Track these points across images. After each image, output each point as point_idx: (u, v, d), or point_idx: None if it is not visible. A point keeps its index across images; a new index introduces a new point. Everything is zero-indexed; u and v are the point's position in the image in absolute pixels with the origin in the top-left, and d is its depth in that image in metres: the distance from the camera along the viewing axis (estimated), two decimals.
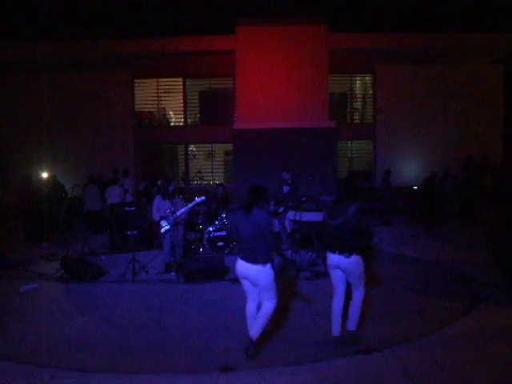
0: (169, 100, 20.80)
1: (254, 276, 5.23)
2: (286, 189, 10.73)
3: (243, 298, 7.35)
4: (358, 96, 21.25)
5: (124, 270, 9.06)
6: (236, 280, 8.47)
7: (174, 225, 9.16)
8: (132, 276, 8.91)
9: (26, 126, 19.50)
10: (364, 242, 5.54)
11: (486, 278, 8.32)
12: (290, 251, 10.23)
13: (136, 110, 20.66)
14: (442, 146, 19.35)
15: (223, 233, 10.80)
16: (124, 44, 18.65)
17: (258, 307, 5.44)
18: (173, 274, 9.06)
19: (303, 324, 6.38)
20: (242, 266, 5.31)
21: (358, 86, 21.30)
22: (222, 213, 11.14)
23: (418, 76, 19.56)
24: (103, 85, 19.80)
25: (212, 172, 20.71)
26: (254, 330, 5.28)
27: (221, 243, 10.77)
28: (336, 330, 5.58)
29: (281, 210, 10.67)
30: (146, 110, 20.93)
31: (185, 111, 20.68)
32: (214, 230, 10.79)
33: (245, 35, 18.27)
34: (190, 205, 9.43)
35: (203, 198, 9.47)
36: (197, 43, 18.59)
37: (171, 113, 21.02)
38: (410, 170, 19.03)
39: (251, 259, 5.21)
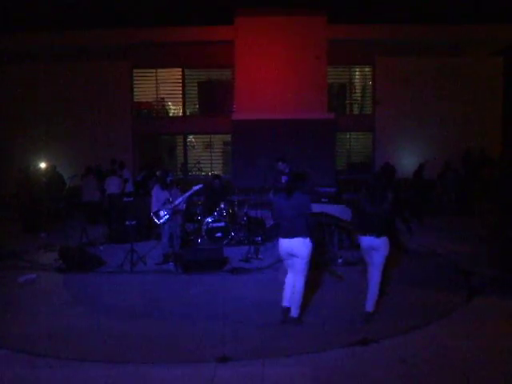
0: (168, 90, 20.72)
1: (296, 248, 5.88)
2: (284, 179, 10.63)
3: (241, 289, 7.38)
4: (357, 87, 21.19)
5: (122, 260, 9.07)
6: (234, 270, 8.59)
7: (173, 214, 9.17)
8: (130, 266, 8.91)
9: (24, 117, 19.43)
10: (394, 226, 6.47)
11: (483, 270, 8.33)
12: None
13: (135, 100, 20.58)
14: (441, 137, 19.32)
15: (222, 224, 10.80)
16: (123, 34, 18.56)
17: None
18: (171, 264, 9.08)
19: (300, 315, 6.38)
20: (285, 243, 5.96)
21: (357, 77, 21.23)
22: (220, 204, 11.13)
23: (417, 68, 19.50)
24: (102, 75, 19.70)
25: (211, 163, 20.67)
26: (294, 309, 5.96)
27: (219, 234, 10.77)
28: (370, 306, 6.15)
29: None
30: (145, 100, 20.85)
31: (184, 102, 20.62)
32: (212, 221, 10.78)
33: (244, 26, 18.22)
34: (188, 193, 9.44)
35: (201, 185, 9.48)
36: (196, 33, 18.51)
37: (170, 103, 20.95)
38: (408, 161, 19.02)
39: (293, 234, 5.88)
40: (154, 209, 9.38)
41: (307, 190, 6.25)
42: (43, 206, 13.85)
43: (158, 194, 9.45)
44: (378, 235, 6.04)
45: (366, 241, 6.18)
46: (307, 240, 5.90)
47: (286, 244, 5.95)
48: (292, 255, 5.96)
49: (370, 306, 6.13)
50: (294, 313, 5.97)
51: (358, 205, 6.37)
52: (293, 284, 6.06)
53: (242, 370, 4.85)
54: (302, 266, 5.94)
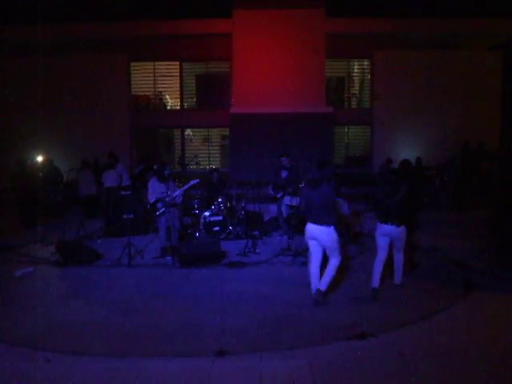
0: (165, 84, 20.67)
1: (321, 235, 6.43)
2: (284, 174, 10.64)
3: (239, 283, 7.38)
4: (355, 81, 21.16)
5: (120, 254, 9.04)
6: (232, 264, 8.59)
7: (169, 207, 9.15)
8: (128, 260, 8.89)
9: (20, 110, 19.34)
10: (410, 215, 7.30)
11: (482, 265, 8.34)
12: (286, 236, 10.27)
13: (132, 93, 20.52)
14: (440, 131, 19.31)
15: (219, 217, 10.78)
16: (120, 27, 18.51)
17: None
18: (168, 258, 9.06)
19: (299, 309, 6.39)
20: (312, 228, 6.53)
21: (355, 70, 21.19)
22: (218, 197, 11.11)
23: (416, 61, 19.45)
24: (99, 68, 19.63)
25: (208, 156, 20.64)
26: (323, 283, 6.47)
27: (217, 228, 10.75)
28: (375, 282, 6.84)
29: (279, 195, 10.59)
30: (143, 93, 20.80)
31: (181, 95, 20.57)
32: (210, 215, 10.76)
33: (242, 19, 18.19)
34: (185, 187, 9.44)
35: (197, 180, 9.47)
36: (194, 26, 18.47)
37: (168, 97, 20.90)
38: (407, 155, 18.95)
39: (319, 222, 6.42)
40: (150, 200, 9.37)
41: (331, 179, 6.94)
42: (40, 200, 13.80)
43: (154, 187, 9.42)
44: (397, 223, 6.77)
45: (385, 228, 6.87)
46: (331, 229, 6.41)
47: (313, 229, 6.53)
48: (315, 239, 6.54)
49: (398, 279, 7.24)
50: (323, 286, 6.48)
51: (377, 196, 7.06)
52: (317, 268, 6.65)
53: (239, 363, 4.85)
54: (333, 250, 6.49)
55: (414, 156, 17.59)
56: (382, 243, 6.99)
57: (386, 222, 6.85)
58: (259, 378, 4.53)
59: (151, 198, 9.37)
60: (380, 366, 4.74)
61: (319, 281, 6.55)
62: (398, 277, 7.24)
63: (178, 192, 9.32)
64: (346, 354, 5.02)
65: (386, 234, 6.91)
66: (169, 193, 9.14)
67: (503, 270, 7.92)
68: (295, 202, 9.38)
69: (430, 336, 5.44)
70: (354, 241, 10.17)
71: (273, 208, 11.49)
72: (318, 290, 6.46)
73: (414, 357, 4.91)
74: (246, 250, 9.55)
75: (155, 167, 10.59)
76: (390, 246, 7.03)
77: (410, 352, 5.01)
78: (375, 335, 5.41)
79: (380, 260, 6.99)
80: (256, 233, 10.88)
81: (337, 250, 6.52)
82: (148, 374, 4.66)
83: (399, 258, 7.17)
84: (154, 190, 9.38)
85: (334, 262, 6.53)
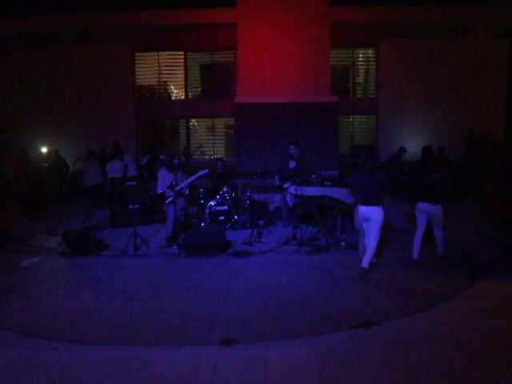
0: (170, 74, 20.62)
1: (372, 214, 7.24)
2: (292, 164, 10.54)
3: (244, 272, 7.42)
4: (360, 70, 21.05)
5: (126, 244, 9.08)
6: (237, 253, 8.61)
7: (177, 197, 9.20)
8: (134, 250, 8.94)
9: (25, 101, 19.34)
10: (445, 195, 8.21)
11: (486, 253, 8.33)
12: (289, 227, 10.30)
13: (137, 83, 20.49)
14: (445, 120, 19.21)
15: (224, 207, 10.80)
16: (125, 17, 18.44)
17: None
18: (174, 247, 9.09)
19: (304, 298, 6.41)
20: (364, 209, 7.33)
21: (360, 59, 21.07)
22: (223, 187, 11.12)
23: (421, 50, 19.29)
24: (104, 58, 19.56)
25: (213, 146, 20.63)
26: (364, 261, 7.19)
27: (222, 217, 10.78)
28: (416, 254, 7.80)
29: (286, 185, 10.50)
30: (147, 83, 20.76)
31: (186, 85, 20.51)
32: (215, 205, 10.78)
33: (246, 8, 18.09)
34: (193, 177, 9.48)
35: (206, 170, 9.51)
36: (198, 16, 18.38)
37: (172, 87, 20.86)
38: (412, 144, 18.93)
39: (371, 203, 7.24)
40: (159, 190, 9.41)
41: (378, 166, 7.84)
42: (45, 190, 13.86)
43: (164, 177, 9.44)
44: (434, 202, 7.69)
45: (423, 206, 7.79)
46: (380, 208, 7.24)
47: (364, 210, 7.32)
48: (367, 219, 7.31)
49: (442, 251, 8.07)
50: (365, 264, 7.19)
51: (415, 177, 8.13)
52: (361, 246, 7.69)
53: (245, 352, 4.87)
54: (376, 228, 7.25)
55: (418, 144, 17.56)
56: (420, 220, 7.88)
57: (423, 201, 7.78)
58: (265, 366, 4.56)
59: (160, 188, 9.39)
60: (385, 354, 4.76)
61: (362, 254, 7.47)
62: (440, 249, 8.07)
63: (185, 182, 9.34)
64: (351, 342, 5.04)
65: (423, 211, 7.80)
66: (175, 183, 9.16)
67: (507, 258, 7.92)
68: (300, 191, 9.36)
69: (434, 324, 5.45)
70: (358, 230, 10.17)
71: (277, 198, 11.46)
72: (363, 269, 7.19)
73: (418, 345, 4.93)
74: (252, 239, 9.58)
75: (162, 157, 10.62)
76: (429, 223, 7.92)
77: (414, 340, 5.03)
78: (380, 323, 5.42)
79: (418, 235, 7.86)
80: (261, 222, 10.89)
81: (380, 228, 7.29)
82: (154, 362, 4.69)
83: (439, 234, 7.98)
84: (164, 179, 9.40)
85: (373, 242, 7.27)
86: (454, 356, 4.70)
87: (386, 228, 8.30)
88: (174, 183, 9.22)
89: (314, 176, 10.50)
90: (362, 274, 7.17)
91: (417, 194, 8.00)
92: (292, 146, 10.56)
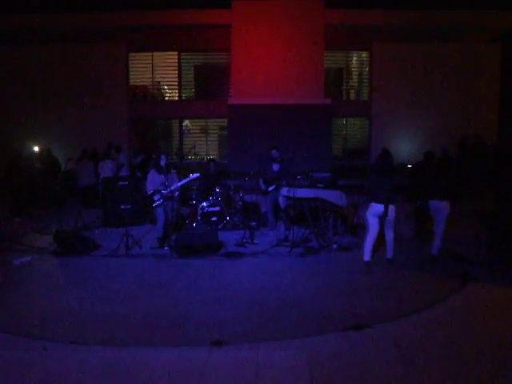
0: (164, 74, 20.60)
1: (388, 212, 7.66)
2: (276, 167, 10.59)
3: (236, 273, 7.42)
4: (354, 73, 21.11)
5: (117, 244, 9.06)
6: (229, 254, 8.61)
7: (167, 200, 9.16)
8: (125, 250, 8.92)
9: (18, 100, 19.29)
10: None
11: (477, 256, 8.36)
12: (276, 230, 10.34)
13: (130, 84, 20.45)
14: (438, 124, 19.29)
15: (217, 208, 10.79)
16: (119, 17, 18.44)
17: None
18: (166, 248, 9.07)
19: (296, 299, 6.42)
20: (378, 207, 7.67)
21: (354, 62, 21.13)
22: (215, 188, 11.11)
23: (414, 53, 19.39)
24: (97, 58, 19.53)
25: (206, 147, 20.62)
26: (390, 252, 7.96)
27: (214, 218, 10.77)
28: (435, 251, 8.31)
29: (270, 189, 10.54)
30: (141, 84, 20.73)
31: (179, 86, 20.51)
32: (207, 206, 10.77)
33: (241, 9, 18.13)
34: (184, 181, 9.44)
35: (197, 174, 9.48)
36: (193, 17, 18.40)
37: (166, 87, 20.84)
38: (405, 148, 19.00)
39: (385, 201, 7.59)
40: (148, 191, 9.33)
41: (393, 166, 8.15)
42: (37, 190, 13.79)
43: (153, 178, 9.38)
44: (442, 199, 8.15)
45: (435, 204, 8.27)
46: (394, 206, 7.69)
47: (379, 207, 7.69)
48: (381, 216, 7.72)
49: (436, 250, 8.32)
50: (390, 255, 7.96)
51: (428, 179, 8.59)
52: (373, 240, 7.87)
53: (236, 353, 4.87)
54: (391, 223, 7.81)
55: (411, 147, 17.70)
56: (438, 217, 8.30)
57: (435, 199, 8.27)
58: (256, 368, 4.56)
59: (149, 189, 9.34)
60: (376, 356, 4.77)
61: (370, 252, 7.84)
62: (435, 247, 8.34)
63: (175, 185, 9.30)
64: (342, 344, 5.05)
65: (436, 210, 8.28)
66: (167, 184, 9.12)
67: (499, 261, 7.95)
68: (293, 193, 9.37)
69: (426, 327, 5.46)
70: (351, 232, 10.20)
71: (263, 200, 11.36)
72: (390, 259, 7.95)
73: (410, 348, 4.94)
74: (244, 240, 9.58)
75: (153, 157, 10.59)
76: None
77: (406, 343, 5.04)
78: (372, 326, 5.43)
79: (439, 233, 8.33)
80: (253, 223, 10.89)
81: (394, 225, 7.87)
82: (145, 363, 4.68)
83: (441, 228, 8.28)
84: (153, 181, 9.32)
85: (391, 234, 7.90)
86: (445, 358, 4.71)
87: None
88: (164, 185, 9.16)
89: (299, 177, 10.54)
90: (389, 263, 7.94)
91: (430, 193, 8.42)
92: (274, 151, 10.63)
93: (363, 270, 7.68)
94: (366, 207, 7.98)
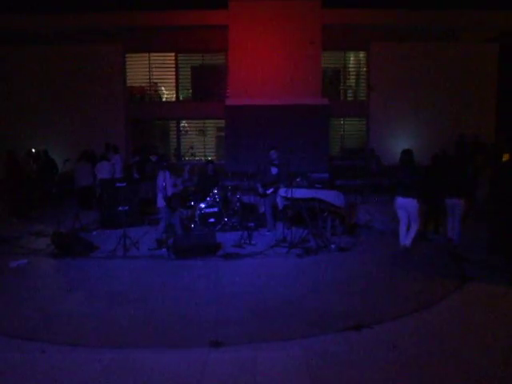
0: (161, 75, 20.59)
1: (408, 205, 8.42)
2: (274, 170, 10.58)
3: (234, 274, 7.42)
4: (351, 73, 21.12)
5: (115, 245, 9.05)
6: (227, 256, 8.59)
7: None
8: (123, 252, 8.90)
9: (15, 101, 19.26)
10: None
11: (476, 256, 8.37)
12: (274, 231, 10.34)
13: (127, 85, 20.43)
14: (435, 123, 19.32)
15: (215, 209, 10.79)
16: (116, 17, 18.44)
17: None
18: (164, 250, 9.06)
19: (294, 300, 6.41)
20: (401, 199, 8.50)
21: (351, 62, 21.14)
22: (213, 189, 11.10)
23: (412, 53, 19.41)
24: (94, 59, 19.51)
25: (204, 148, 20.61)
26: (408, 240, 8.54)
27: (212, 219, 10.76)
28: (457, 240, 9.10)
29: (269, 191, 10.54)
30: (138, 85, 20.72)
31: (177, 87, 20.51)
32: (205, 207, 10.76)
33: (238, 10, 18.11)
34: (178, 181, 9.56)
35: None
36: (190, 18, 18.40)
37: (163, 88, 20.83)
38: (402, 148, 18.96)
39: (407, 195, 8.37)
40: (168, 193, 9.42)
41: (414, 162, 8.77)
42: (34, 191, 13.77)
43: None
44: (458, 197, 8.98)
45: (451, 200, 9.09)
46: (415, 200, 8.36)
47: (402, 200, 8.48)
48: (404, 208, 8.49)
49: (457, 240, 9.11)
50: (409, 244, 8.53)
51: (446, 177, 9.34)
52: (405, 228, 8.61)
53: (234, 354, 4.85)
54: (415, 216, 8.47)
55: (409, 147, 17.65)
56: (451, 210, 9.15)
57: (451, 196, 9.07)
58: (254, 368, 4.55)
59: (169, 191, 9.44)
60: (374, 357, 4.76)
61: (406, 237, 8.55)
62: (456, 236, 9.13)
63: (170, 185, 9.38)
64: (340, 344, 5.04)
65: (452, 206, 9.10)
66: (164, 184, 9.16)
67: (497, 261, 7.96)
68: (291, 194, 9.36)
69: (424, 327, 5.45)
70: (349, 232, 10.19)
71: (262, 202, 11.35)
72: (405, 246, 8.54)
73: (408, 348, 4.93)
74: (242, 241, 9.56)
75: (153, 158, 10.63)
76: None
77: (404, 343, 5.03)
78: (370, 326, 5.42)
79: (451, 220, 9.24)
80: (251, 224, 10.87)
81: (417, 217, 8.48)
82: (143, 365, 4.67)
83: (457, 219, 9.07)
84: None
85: (415, 226, 8.51)
86: (444, 358, 4.71)
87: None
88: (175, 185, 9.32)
89: (299, 179, 10.52)
90: (403, 251, 8.52)
91: (446, 191, 9.18)
92: (273, 152, 10.61)
93: (400, 251, 8.55)
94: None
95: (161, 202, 9.47)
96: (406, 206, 8.43)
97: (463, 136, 17.91)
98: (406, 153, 8.73)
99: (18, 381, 4.42)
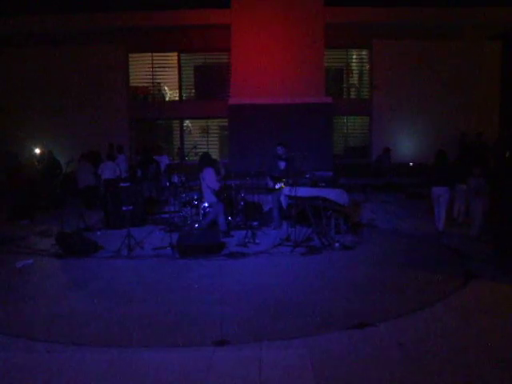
0: (164, 75, 20.61)
1: (443, 193, 9.65)
2: (282, 165, 10.58)
3: (238, 273, 7.42)
4: (354, 71, 21.10)
5: (119, 245, 9.06)
6: (231, 254, 8.60)
7: None
8: (128, 251, 8.91)
9: (19, 102, 19.31)
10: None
11: (480, 253, 8.36)
12: (280, 228, 10.35)
13: (131, 84, 20.46)
14: (438, 122, 19.29)
15: None
16: (119, 18, 18.48)
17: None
18: (168, 249, 9.06)
19: (298, 299, 6.41)
20: (437, 188, 9.74)
21: (354, 60, 21.13)
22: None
23: (415, 51, 19.39)
24: (98, 59, 19.55)
25: (207, 147, 20.61)
26: (441, 224, 9.79)
27: None
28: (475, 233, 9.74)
29: (278, 186, 10.54)
30: (141, 84, 20.74)
31: (180, 86, 20.53)
32: (209, 206, 10.76)
33: (240, 9, 18.13)
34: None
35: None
36: (192, 17, 18.43)
37: (166, 88, 20.85)
38: (405, 146, 19.00)
39: (442, 184, 9.64)
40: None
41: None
42: (38, 192, 13.79)
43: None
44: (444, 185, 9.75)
45: (435, 189, 9.88)
46: (447, 188, 9.67)
47: (438, 189, 9.72)
48: (439, 196, 9.67)
49: (475, 232, 9.69)
50: (441, 227, 9.79)
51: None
52: (440, 216, 9.77)
53: (239, 353, 4.86)
54: (445, 202, 9.70)
55: (412, 146, 17.69)
56: (472, 202, 10.05)
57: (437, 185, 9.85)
58: (259, 367, 4.54)
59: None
60: (379, 355, 4.75)
61: (439, 223, 9.79)
62: (475, 228, 9.79)
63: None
64: (345, 343, 5.04)
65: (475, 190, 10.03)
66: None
67: (501, 257, 7.95)
68: (295, 192, 9.36)
69: (428, 325, 5.44)
70: (353, 231, 10.18)
71: (270, 198, 11.37)
72: (439, 229, 9.78)
73: (412, 346, 4.92)
74: (246, 240, 9.56)
75: (157, 158, 10.77)
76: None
77: (408, 341, 5.02)
78: (375, 325, 5.42)
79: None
80: (255, 223, 10.87)
81: (447, 203, 9.76)
82: (148, 364, 4.67)
83: (478, 207, 9.76)
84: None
85: (443, 211, 9.70)
86: (448, 356, 4.70)
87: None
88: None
89: (308, 176, 10.52)
90: (438, 235, 9.67)
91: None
92: (279, 147, 10.63)
93: (437, 236, 9.65)
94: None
95: (212, 198, 9.98)
96: (441, 193, 9.65)
97: (465, 133, 17.89)
98: (441, 151, 9.98)
99: (23, 380, 4.43)
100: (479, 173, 9.86)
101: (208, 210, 10.48)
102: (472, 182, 9.92)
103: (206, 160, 10.18)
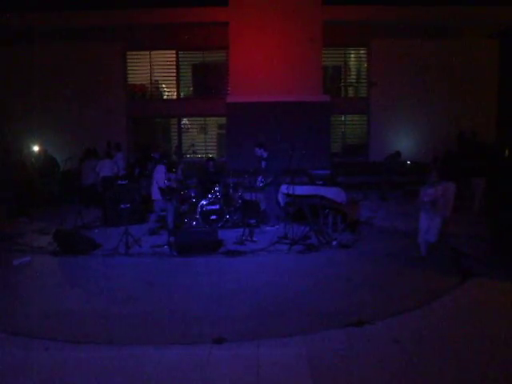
0: (162, 73, 20.58)
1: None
2: (263, 164, 10.74)
3: (236, 271, 7.42)
4: (352, 69, 21.09)
5: (117, 243, 9.05)
6: (229, 253, 8.63)
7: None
8: (125, 249, 8.90)
9: (16, 99, 19.23)
10: None
11: (477, 252, 8.38)
12: (276, 226, 10.37)
13: (129, 82, 20.43)
14: (436, 120, 19.29)
15: (216, 206, 10.80)
16: (116, 15, 18.43)
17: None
18: (166, 247, 9.06)
19: (296, 297, 6.42)
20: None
21: (352, 59, 21.12)
22: (215, 186, 11.11)
23: (413, 50, 19.35)
24: (96, 57, 19.48)
25: (205, 145, 20.61)
26: (433, 237, 8.06)
27: (214, 216, 10.77)
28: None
29: (260, 185, 10.84)
30: (139, 82, 20.71)
31: (178, 84, 20.50)
32: (207, 204, 10.77)
33: (238, 7, 18.10)
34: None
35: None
36: (190, 15, 18.38)
37: (164, 86, 20.83)
38: (403, 144, 18.99)
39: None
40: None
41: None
42: (35, 190, 13.78)
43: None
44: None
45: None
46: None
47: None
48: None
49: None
50: (433, 239, 8.21)
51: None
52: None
53: (237, 350, 4.87)
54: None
55: (410, 145, 17.70)
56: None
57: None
58: (257, 365, 4.55)
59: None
60: (377, 353, 4.77)
61: None
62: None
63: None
64: (343, 341, 5.05)
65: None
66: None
67: (498, 257, 7.97)
68: (292, 190, 9.37)
69: (426, 323, 5.46)
70: (350, 229, 10.19)
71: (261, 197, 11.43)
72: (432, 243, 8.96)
73: (410, 344, 4.94)
74: (243, 238, 9.57)
75: (155, 155, 10.86)
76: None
77: (406, 339, 5.04)
78: (372, 322, 5.43)
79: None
80: (253, 221, 10.89)
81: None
82: (146, 361, 4.68)
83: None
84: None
85: (438, 220, 8.41)
86: (445, 354, 4.72)
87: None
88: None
89: (303, 178, 10.67)
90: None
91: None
92: (256, 149, 10.81)
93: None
94: None
95: (157, 195, 10.04)
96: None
97: (463, 132, 17.89)
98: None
99: (22, 378, 4.44)
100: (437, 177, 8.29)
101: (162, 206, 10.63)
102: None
103: (161, 160, 10.56)
